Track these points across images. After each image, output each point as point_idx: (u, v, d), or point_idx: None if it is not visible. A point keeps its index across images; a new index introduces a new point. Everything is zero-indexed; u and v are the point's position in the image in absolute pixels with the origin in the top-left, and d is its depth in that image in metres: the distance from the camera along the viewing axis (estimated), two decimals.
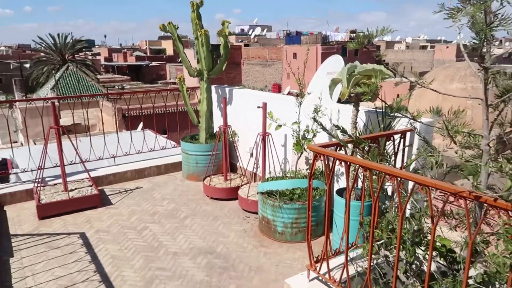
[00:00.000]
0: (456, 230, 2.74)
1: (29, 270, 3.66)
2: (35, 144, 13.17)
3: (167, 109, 6.33)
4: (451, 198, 2.01)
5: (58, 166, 5.23)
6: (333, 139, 2.95)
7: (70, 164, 5.58)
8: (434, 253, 2.47)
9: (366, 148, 3.17)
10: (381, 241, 2.70)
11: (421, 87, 2.52)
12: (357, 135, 3.51)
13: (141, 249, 4.05)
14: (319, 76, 5.23)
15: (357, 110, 3.60)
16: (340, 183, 4.33)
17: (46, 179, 5.51)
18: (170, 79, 48.97)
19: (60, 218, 4.74)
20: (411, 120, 2.79)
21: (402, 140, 3.42)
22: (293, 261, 3.85)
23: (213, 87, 6.36)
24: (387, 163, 3.17)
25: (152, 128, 8.16)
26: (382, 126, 3.59)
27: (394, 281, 2.44)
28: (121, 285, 3.46)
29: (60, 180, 5.26)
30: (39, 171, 5.08)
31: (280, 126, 4.67)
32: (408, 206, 2.56)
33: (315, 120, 3.18)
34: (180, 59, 6.23)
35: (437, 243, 2.56)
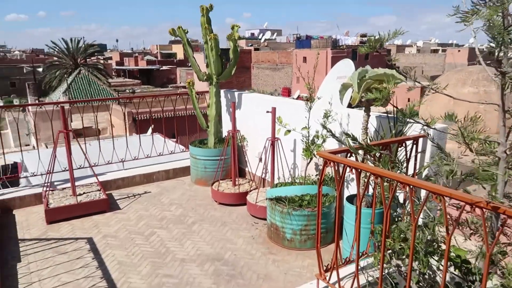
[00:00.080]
0: (470, 239, 2.65)
1: (36, 276, 3.64)
2: (47, 147, 13.30)
3: (176, 113, 6.31)
4: (467, 207, 1.93)
5: (67, 170, 5.23)
6: (343, 146, 2.88)
7: (79, 168, 5.58)
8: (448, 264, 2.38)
9: (377, 154, 3.10)
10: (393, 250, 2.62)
11: (435, 92, 2.45)
12: (368, 141, 3.44)
13: (148, 255, 4.01)
14: (329, 81, 5.16)
15: (368, 116, 3.52)
16: (350, 189, 4.25)
17: (55, 183, 5.53)
18: (180, 83, 49.28)
19: (68, 223, 4.73)
20: (424, 126, 2.71)
21: (414, 146, 3.34)
22: (302, 269, 3.77)
23: (222, 91, 6.33)
24: (399, 170, 3.09)
25: (161, 132, 8.17)
26: (393, 132, 3.51)
27: None
28: None
29: (69, 184, 5.26)
30: (48, 175, 5.09)
31: (289, 131, 4.60)
32: (421, 215, 2.48)
33: (324, 126, 3.11)
34: (190, 63, 6.22)
35: (452, 253, 2.48)
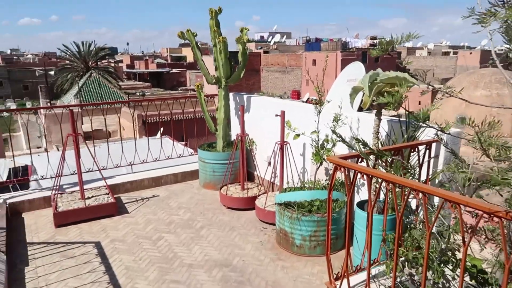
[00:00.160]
0: (485, 247, 2.56)
1: (43, 280, 3.62)
2: (58, 150, 13.39)
3: (185, 115, 6.28)
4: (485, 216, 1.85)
5: (76, 173, 5.23)
6: (353, 151, 2.81)
7: (88, 171, 5.58)
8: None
9: (389, 159, 3.02)
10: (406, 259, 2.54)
11: (449, 96, 2.37)
12: (379, 145, 3.36)
13: (156, 260, 3.97)
14: (339, 84, 5.09)
15: (379, 120, 3.44)
16: (361, 194, 4.16)
17: (64, 186, 5.53)
18: (190, 85, 49.47)
19: (76, 226, 4.72)
20: (438, 131, 2.63)
21: (427, 151, 3.25)
22: (312, 276, 3.70)
23: (231, 94, 6.29)
24: (411, 176, 3.01)
25: (170, 134, 8.16)
26: (405, 136, 3.42)
27: None
28: None
29: (78, 188, 5.26)
30: (57, 178, 5.09)
31: (298, 135, 4.54)
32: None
33: (334, 132, 3.04)
34: (199, 66, 6.19)
35: (467, 263, 2.39)
